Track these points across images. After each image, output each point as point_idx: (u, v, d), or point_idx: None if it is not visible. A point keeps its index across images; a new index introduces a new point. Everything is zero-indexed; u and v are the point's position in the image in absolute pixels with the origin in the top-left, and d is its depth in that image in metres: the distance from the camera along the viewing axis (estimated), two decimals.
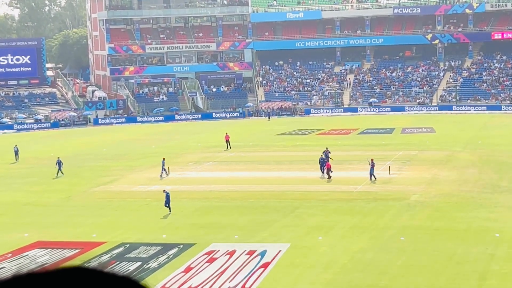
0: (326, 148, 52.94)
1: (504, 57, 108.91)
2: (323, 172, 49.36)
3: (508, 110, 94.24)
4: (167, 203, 39.90)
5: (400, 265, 29.07)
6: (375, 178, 47.34)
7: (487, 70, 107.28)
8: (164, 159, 52.90)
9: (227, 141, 65.74)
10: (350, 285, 26.83)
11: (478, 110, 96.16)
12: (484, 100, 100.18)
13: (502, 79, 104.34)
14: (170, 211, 39.82)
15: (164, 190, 40.86)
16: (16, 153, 63.70)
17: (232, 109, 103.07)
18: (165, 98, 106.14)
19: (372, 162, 47.76)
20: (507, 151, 57.79)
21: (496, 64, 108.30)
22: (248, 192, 45.18)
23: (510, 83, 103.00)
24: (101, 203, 43.78)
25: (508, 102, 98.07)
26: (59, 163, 54.22)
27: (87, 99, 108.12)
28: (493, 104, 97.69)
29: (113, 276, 1.39)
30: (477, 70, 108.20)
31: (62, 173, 53.95)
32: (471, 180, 46.79)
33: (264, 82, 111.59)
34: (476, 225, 35.15)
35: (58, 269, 1.35)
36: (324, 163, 49.72)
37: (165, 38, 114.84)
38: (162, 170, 52.09)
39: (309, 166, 50.39)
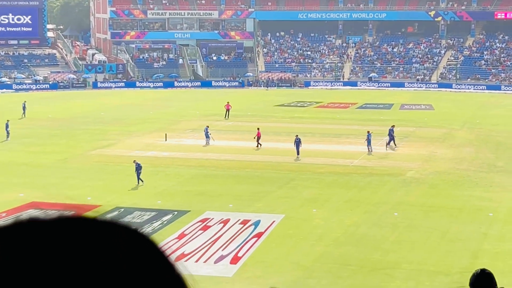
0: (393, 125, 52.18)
1: (506, 37, 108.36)
2: (388, 143, 50.40)
3: (508, 90, 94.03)
4: (138, 174, 39.00)
5: (392, 241, 29.20)
6: (371, 150, 48.09)
7: (489, 50, 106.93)
8: (208, 126, 52.86)
9: (228, 110, 65.62)
10: (342, 258, 26.95)
11: (478, 89, 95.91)
12: (484, 80, 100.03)
13: (503, 59, 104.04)
14: (138, 182, 38.85)
15: (134, 161, 40.15)
16: (24, 109, 64.99)
17: (231, 78, 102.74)
18: (165, 64, 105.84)
19: (368, 133, 48.58)
20: (504, 131, 57.74)
21: (498, 44, 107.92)
22: (244, 162, 45.25)
23: (511, 63, 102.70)
24: (97, 167, 43.82)
25: (508, 82, 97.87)
26: (6, 124, 53.28)
27: (87, 62, 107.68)
28: (493, 84, 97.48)
29: (119, 226, 1.30)
30: (478, 49, 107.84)
31: (7, 138, 52.80)
32: (467, 158, 46.85)
33: (265, 52, 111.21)
34: (471, 203, 35.26)
35: (61, 217, 1.27)
36: (391, 135, 50.54)
37: (167, 4, 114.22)
38: (207, 138, 51.58)
39: (307, 139, 50.30)
